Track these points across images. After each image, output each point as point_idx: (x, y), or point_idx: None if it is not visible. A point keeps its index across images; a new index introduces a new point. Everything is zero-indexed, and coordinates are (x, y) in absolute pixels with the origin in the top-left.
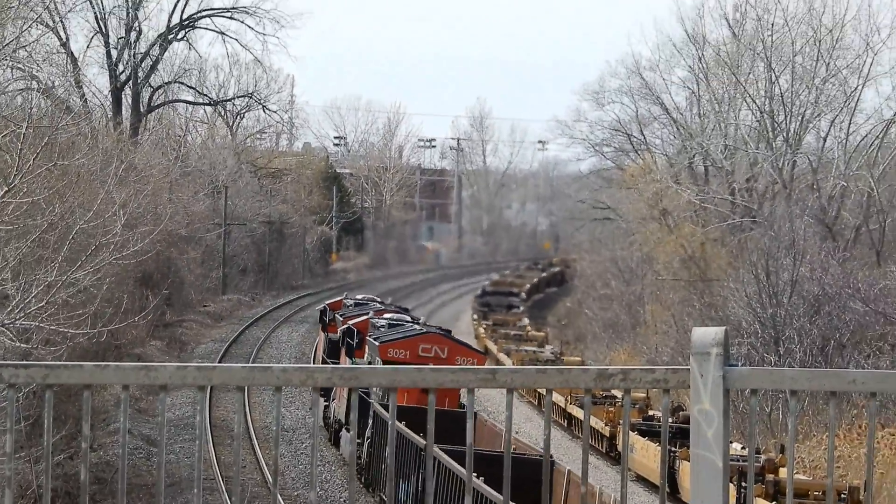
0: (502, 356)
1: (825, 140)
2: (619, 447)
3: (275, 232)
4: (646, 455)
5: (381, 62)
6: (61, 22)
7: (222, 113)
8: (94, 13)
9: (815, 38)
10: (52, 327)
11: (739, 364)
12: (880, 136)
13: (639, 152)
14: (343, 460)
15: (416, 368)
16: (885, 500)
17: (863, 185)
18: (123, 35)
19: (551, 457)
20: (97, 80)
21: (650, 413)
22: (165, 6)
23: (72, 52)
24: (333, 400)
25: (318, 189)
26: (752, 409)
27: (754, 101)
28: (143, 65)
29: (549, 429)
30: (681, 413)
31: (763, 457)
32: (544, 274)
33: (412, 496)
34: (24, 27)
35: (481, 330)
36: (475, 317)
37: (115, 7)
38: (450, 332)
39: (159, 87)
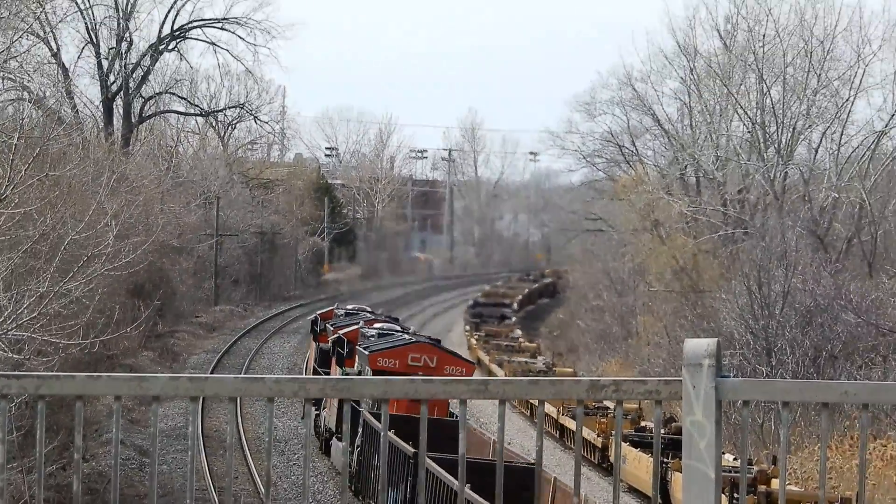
0: (494, 367)
1: (817, 151)
2: (612, 458)
3: (267, 243)
4: (638, 466)
5: (373, 73)
6: (52, 32)
7: (214, 124)
8: (85, 23)
9: (806, 49)
10: (44, 338)
11: (731, 375)
12: (872, 147)
13: (630, 163)
14: (334, 469)
15: (409, 379)
16: None
17: (854, 197)
18: (114, 45)
19: (532, 464)
20: (88, 90)
21: (642, 424)
22: (156, 17)
23: (63, 63)
24: (324, 408)
25: (310, 200)
26: (745, 420)
27: (746, 113)
28: (134, 75)
29: (541, 439)
30: (673, 424)
31: (755, 468)
32: (536, 285)
33: None
34: (15, 38)
35: (473, 341)
36: (467, 328)
37: (106, 17)
38: (439, 341)
39: (150, 97)
